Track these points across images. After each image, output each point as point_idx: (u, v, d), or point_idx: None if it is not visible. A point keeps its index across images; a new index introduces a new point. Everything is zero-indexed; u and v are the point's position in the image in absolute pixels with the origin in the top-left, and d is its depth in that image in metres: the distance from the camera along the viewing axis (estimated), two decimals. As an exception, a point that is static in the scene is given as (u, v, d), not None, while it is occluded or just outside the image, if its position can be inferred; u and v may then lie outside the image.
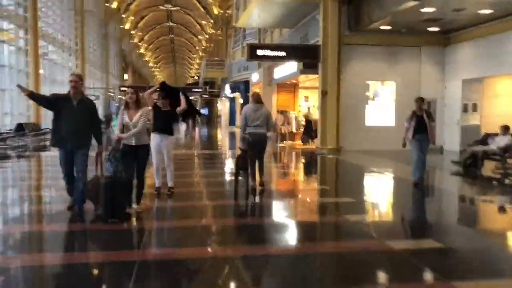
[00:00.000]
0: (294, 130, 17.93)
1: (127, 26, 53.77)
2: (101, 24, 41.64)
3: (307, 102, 20.88)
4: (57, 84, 27.68)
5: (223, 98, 38.02)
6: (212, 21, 51.34)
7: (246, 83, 25.96)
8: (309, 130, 15.74)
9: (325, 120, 14.36)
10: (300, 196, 8.26)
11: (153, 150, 6.77)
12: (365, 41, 14.64)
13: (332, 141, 14.32)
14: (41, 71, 23.22)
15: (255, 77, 22.75)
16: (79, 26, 32.72)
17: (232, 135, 26.64)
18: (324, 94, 14.38)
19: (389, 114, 15.10)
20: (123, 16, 51.20)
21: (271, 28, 20.50)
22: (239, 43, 28.15)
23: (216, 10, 46.09)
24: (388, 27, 13.78)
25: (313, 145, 16.00)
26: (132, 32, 60.11)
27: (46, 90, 23.35)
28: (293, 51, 14.32)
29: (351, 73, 14.65)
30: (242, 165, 7.06)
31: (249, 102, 7.50)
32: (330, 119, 14.28)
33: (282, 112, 17.38)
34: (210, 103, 53.62)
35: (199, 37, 65.12)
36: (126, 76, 59.06)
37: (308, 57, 14.41)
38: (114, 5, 43.00)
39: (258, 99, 7.18)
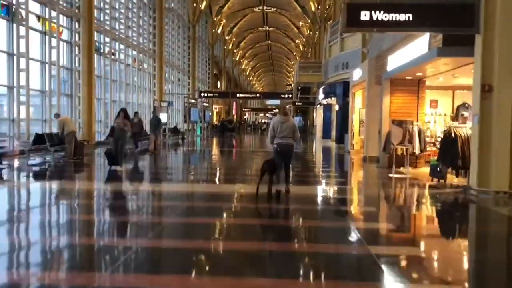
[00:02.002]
0: (417, 152, 11.34)
1: (219, 30, 50.54)
2: (186, 25, 38.31)
3: (435, 109, 14.11)
4: (126, 88, 24.08)
5: (318, 106, 31.94)
6: (309, 21, 45.95)
7: (345, 84, 19.71)
8: (450, 153, 9.05)
9: (488, 138, 7.77)
10: None
11: None
12: None
13: (501, 178, 7.64)
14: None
15: (357, 74, 16.46)
16: (157, 25, 29.20)
17: (327, 152, 20.47)
18: (486, 91, 7.81)
19: None
20: (214, 19, 48.00)
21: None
22: (337, 35, 22.07)
23: (313, 6, 40.51)
24: None
25: (459, 180, 9.41)
26: (227, 37, 57.09)
27: (110, 96, 20.10)
28: (426, 13, 7.89)
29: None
30: (267, 168, 7.16)
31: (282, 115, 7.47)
32: (498, 137, 7.66)
33: (400, 124, 10.96)
34: (304, 113, 47.93)
35: (296, 41, 60.27)
36: (219, 84, 55.91)
37: (454, 23, 7.98)
38: (203, 5, 39.51)
39: (285, 112, 7.47)
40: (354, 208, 7.21)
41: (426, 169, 11.98)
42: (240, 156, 18.04)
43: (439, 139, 13.90)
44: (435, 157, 12.92)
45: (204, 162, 15.39)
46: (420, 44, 9.52)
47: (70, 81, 18.66)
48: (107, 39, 21.85)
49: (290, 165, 7.63)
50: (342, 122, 20.54)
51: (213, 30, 48.54)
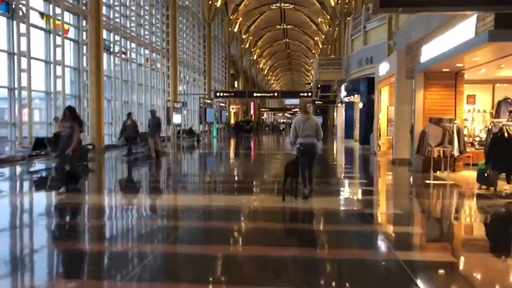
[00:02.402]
0: (456, 153, 9.93)
1: (235, 28, 49.45)
2: (201, 23, 37.30)
3: (472, 105, 12.64)
4: (140, 88, 23.16)
5: (339, 105, 30.47)
6: (328, 17, 44.44)
7: (370, 80, 18.31)
8: (502, 156, 7.63)
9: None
10: None
11: None
12: None
13: None
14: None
15: (383, 68, 15.07)
16: (170, 23, 28.23)
17: (351, 154, 19.10)
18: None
19: None
20: (231, 17, 46.91)
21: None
22: (360, 28, 20.65)
23: (332, 1, 39.00)
24: None
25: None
26: (244, 36, 55.96)
27: (123, 96, 18.07)
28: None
29: None
30: (291, 171, 6.96)
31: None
32: None
33: (439, 122, 9.59)
34: (324, 112, 46.39)
35: (315, 38, 58.73)
36: (236, 84, 54.83)
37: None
38: (218, 3, 38.44)
39: (306, 110, 7.28)
40: (396, 229, 5.76)
41: (465, 173, 10.61)
42: (258, 160, 16.78)
43: (477, 139, 12.51)
44: (476, 160, 11.52)
45: (215, 168, 14.18)
46: (463, 29, 8.12)
47: (78, 82, 17.77)
48: (117, 38, 20.93)
49: (313, 166, 7.36)
50: (367, 121, 19.14)
51: (230, 29, 47.47)
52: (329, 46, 48.21)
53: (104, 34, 19.52)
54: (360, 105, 21.19)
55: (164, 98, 26.90)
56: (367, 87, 19.50)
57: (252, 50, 63.97)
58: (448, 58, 8.87)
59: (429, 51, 10.27)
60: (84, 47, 17.93)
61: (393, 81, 14.12)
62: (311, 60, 68.72)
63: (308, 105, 7.69)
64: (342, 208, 7.08)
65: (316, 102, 37.54)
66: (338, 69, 29.15)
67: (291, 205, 6.69)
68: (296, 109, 68.87)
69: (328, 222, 6.02)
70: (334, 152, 20.33)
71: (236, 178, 11.20)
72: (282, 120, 74.91)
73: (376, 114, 16.45)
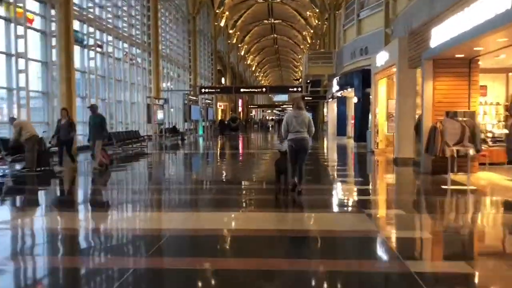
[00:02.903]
0: (472, 152, 8.57)
1: (222, 23, 47.80)
2: (185, 17, 35.65)
3: (484, 97, 11.34)
4: (119, 85, 21.49)
5: (330, 100, 29.14)
6: (317, 10, 43.07)
7: (365, 73, 16.95)
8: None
9: None
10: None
11: None
12: None
13: None
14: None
15: (381, 58, 13.67)
16: (152, 15, 26.55)
17: (346, 152, 17.73)
18: None
19: None
20: (216, 11, 45.28)
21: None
22: (353, 17, 19.27)
23: (322, -7, 37.58)
24: None
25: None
26: (230, 31, 54.36)
27: (101, 93, 16.09)
28: None
29: None
30: (281, 168, 7.03)
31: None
32: None
33: (454, 117, 8.20)
34: (314, 108, 45.10)
35: (303, 33, 57.38)
36: (223, 80, 53.23)
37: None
38: (203, -5, 36.83)
39: (298, 106, 7.21)
40: (429, 268, 4.11)
41: (484, 175, 9.29)
42: (243, 162, 15.27)
43: (489, 135, 11.25)
44: (491, 159, 10.25)
45: (188, 174, 12.62)
46: (492, 2, 6.72)
47: (46, 77, 16.11)
48: (91, 29, 19.26)
49: (304, 162, 7.28)
50: (362, 116, 17.80)
51: (216, 23, 45.83)
52: (318, 41, 46.91)
53: (77, 25, 17.90)
54: (354, 99, 19.83)
55: (146, 95, 25.26)
56: (362, 80, 18.16)
57: (240, 45, 62.41)
58: (468, 39, 7.49)
59: (440, 34, 8.88)
60: (54, 39, 16.28)
61: (393, 72, 12.79)
62: (300, 56, 67.44)
63: (300, 100, 7.49)
64: (352, 229, 5.50)
65: (306, 98, 36.13)
66: (328, 63, 27.86)
67: (286, 227, 5.25)
68: (285, 106, 67.41)
69: (337, 256, 4.59)
70: (328, 150, 18.93)
71: (215, 186, 9.55)
72: (271, 117, 73.49)
73: (373, 109, 15.10)
